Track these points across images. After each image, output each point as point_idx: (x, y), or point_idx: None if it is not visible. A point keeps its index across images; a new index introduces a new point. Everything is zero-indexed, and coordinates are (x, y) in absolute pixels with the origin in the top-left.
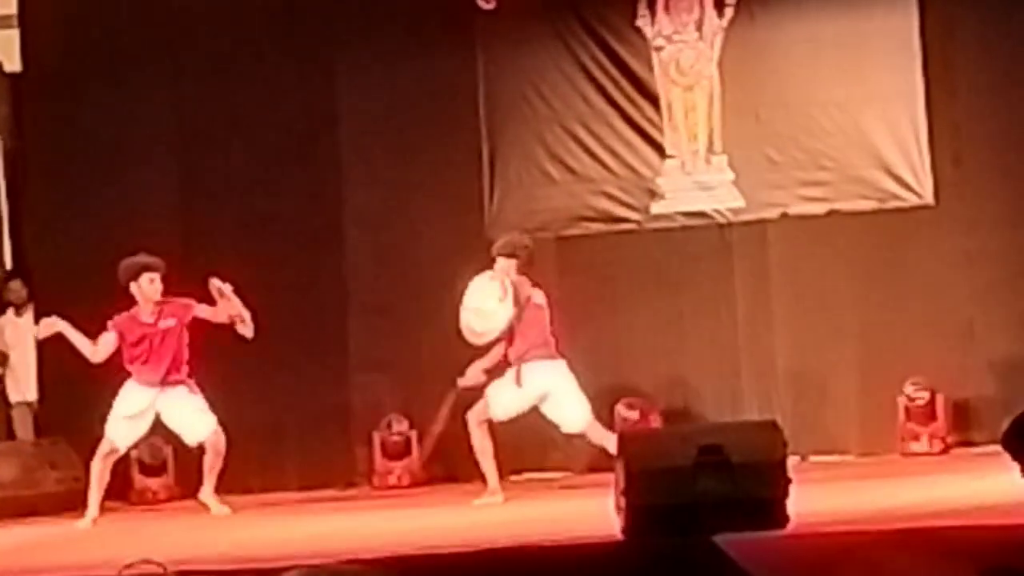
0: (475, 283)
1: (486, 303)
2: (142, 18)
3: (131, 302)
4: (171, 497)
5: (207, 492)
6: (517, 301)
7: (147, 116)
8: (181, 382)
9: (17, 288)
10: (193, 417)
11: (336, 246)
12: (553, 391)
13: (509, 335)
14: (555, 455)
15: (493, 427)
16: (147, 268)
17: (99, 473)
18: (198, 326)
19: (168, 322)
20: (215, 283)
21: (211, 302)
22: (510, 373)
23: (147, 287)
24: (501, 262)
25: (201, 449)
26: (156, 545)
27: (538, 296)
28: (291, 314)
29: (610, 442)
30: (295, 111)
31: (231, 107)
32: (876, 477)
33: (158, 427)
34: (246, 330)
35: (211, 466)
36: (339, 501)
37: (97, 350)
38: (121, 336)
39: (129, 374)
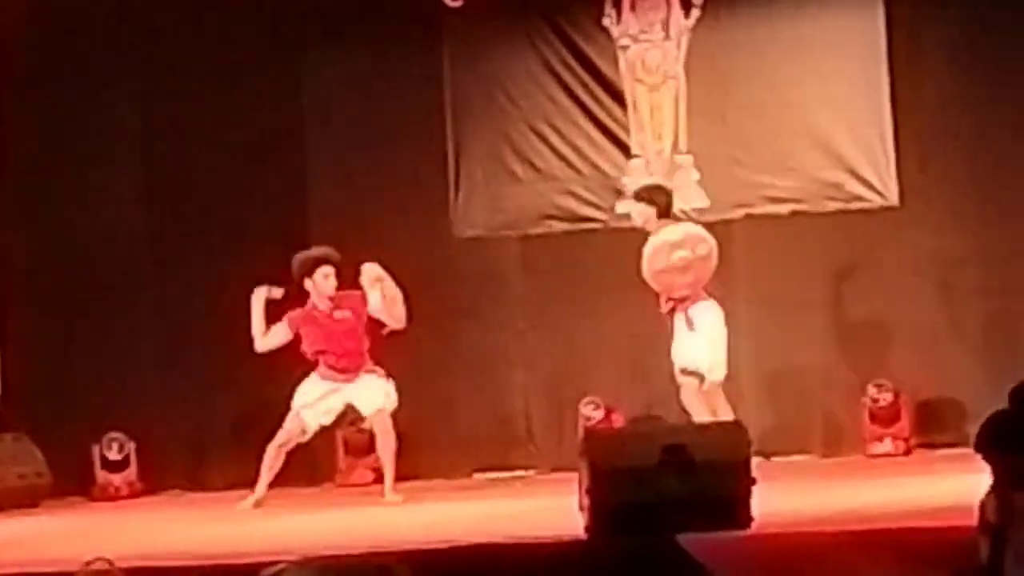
0: None
1: None
2: (111, 18)
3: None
4: (133, 493)
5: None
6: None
7: (111, 117)
8: (371, 371)
9: None
10: (371, 393)
11: (301, 245)
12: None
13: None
14: (519, 453)
15: (460, 426)
16: (322, 262)
17: (271, 460)
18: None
19: (344, 313)
20: (369, 271)
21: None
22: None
23: (322, 283)
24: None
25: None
26: (120, 541)
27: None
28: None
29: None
30: (260, 110)
31: (195, 108)
32: (840, 478)
33: (121, 422)
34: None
35: (381, 452)
36: (302, 499)
37: (267, 339)
38: (297, 333)
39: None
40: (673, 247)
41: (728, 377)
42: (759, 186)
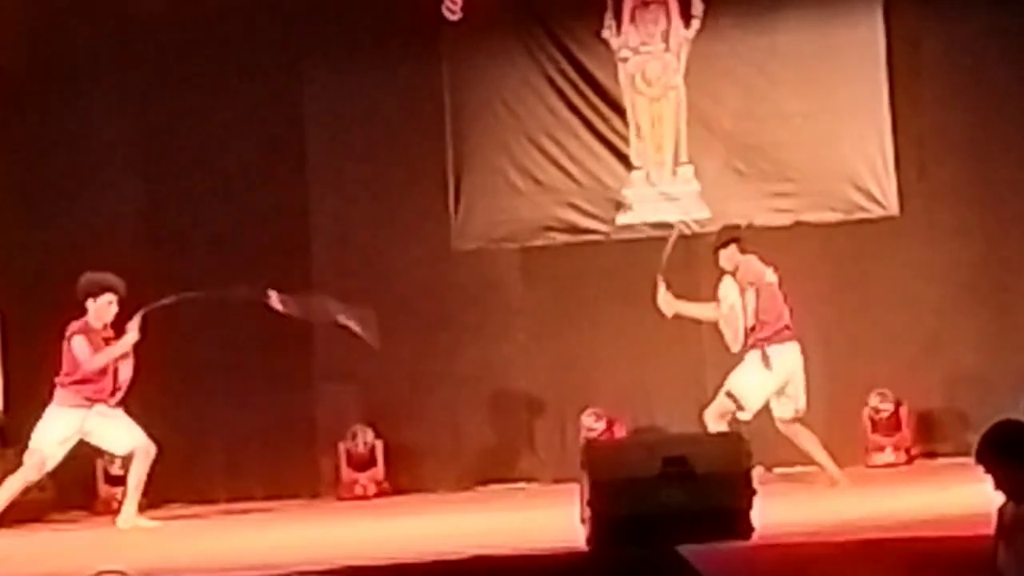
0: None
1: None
2: (106, 31)
3: None
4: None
5: (133, 512)
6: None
7: (112, 129)
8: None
9: None
10: (120, 430)
11: (302, 256)
12: (795, 374)
13: None
14: (521, 464)
15: (462, 438)
16: (109, 288)
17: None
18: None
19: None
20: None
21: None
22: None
23: (102, 306)
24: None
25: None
26: (120, 556)
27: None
28: (257, 324)
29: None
30: (260, 122)
31: (196, 119)
32: (841, 488)
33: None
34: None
35: (139, 482)
36: (304, 511)
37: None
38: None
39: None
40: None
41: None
42: (760, 196)
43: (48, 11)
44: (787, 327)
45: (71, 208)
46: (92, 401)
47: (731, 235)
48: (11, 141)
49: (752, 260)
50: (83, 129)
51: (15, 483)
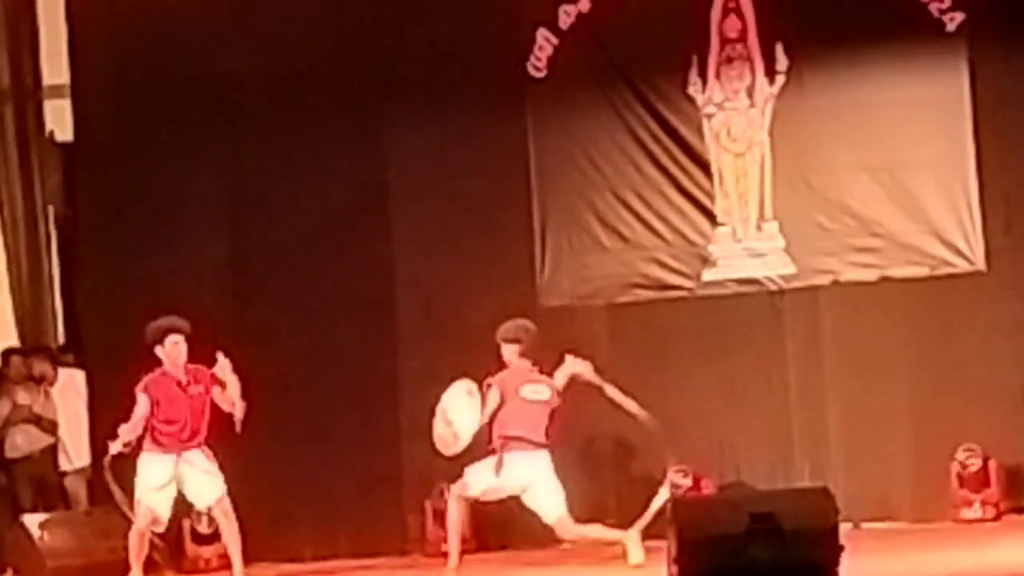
0: (450, 390)
1: (453, 408)
2: (193, 88)
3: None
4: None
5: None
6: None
7: (198, 183)
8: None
9: (43, 362)
10: (204, 480)
11: (387, 314)
12: (534, 482)
13: (489, 425)
14: (608, 522)
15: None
16: (170, 330)
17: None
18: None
19: (197, 388)
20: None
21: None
22: (490, 460)
23: (171, 349)
24: (504, 348)
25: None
26: None
27: (539, 390)
28: (342, 382)
29: (587, 532)
30: (346, 178)
31: (282, 174)
32: (929, 544)
33: None
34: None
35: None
36: (391, 569)
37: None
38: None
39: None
40: None
41: (816, 442)
42: (845, 251)
43: (139, 66)
44: (531, 436)
45: (157, 260)
46: (179, 447)
47: (514, 335)
48: (100, 193)
49: (521, 369)
50: (171, 183)
51: (133, 539)
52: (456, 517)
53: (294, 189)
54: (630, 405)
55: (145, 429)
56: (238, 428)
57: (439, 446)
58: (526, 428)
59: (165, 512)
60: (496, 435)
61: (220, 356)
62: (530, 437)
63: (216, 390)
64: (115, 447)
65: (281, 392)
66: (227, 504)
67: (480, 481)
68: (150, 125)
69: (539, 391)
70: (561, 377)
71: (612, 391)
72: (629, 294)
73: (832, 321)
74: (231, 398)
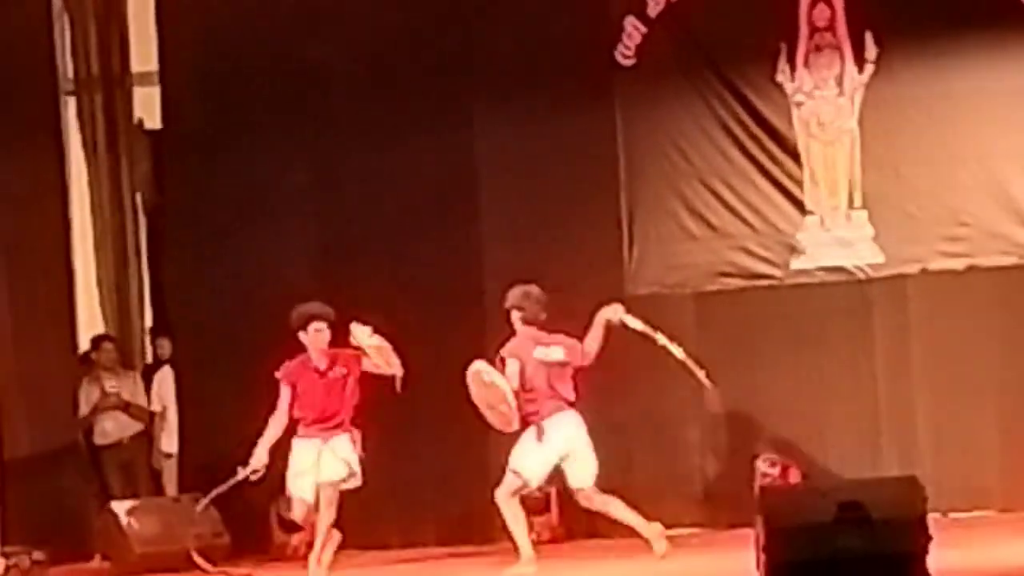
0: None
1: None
2: (281, 75)
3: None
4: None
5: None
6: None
7: (286, 171)
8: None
9: (166, 345)
10: (336, 466)
11: (475, 303)
12: (575, 448)
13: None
14: (695, 510)
15: (636, 483)
16: (314, 317)
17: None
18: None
19: (339, 371)
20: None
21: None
22: (528, 435)
23: (313, 336)
24: (512, 316)
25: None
26: None
27: (550, 352)
28: (430, 370)
29: (611, 507)
30: (434, 165)
31: (370, 163)
32: (1018, 533)
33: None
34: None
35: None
36: (478, 556)
37: (278, 418)
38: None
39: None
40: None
41: (904, 431)
42: (934, 240)
43: (226, 54)
44: (556, 398)
45: (246, 251)
46: (322, 433)
47: (516, 302)
48: (188, 180)
49: (526, 337)
50: (258, 170)
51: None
52: (513, 516)
53: (380, 179)
54: (679, 353)
55: (290, 418)
56: (398, 388)
57: (499, 425)
58: (549, 390)
59: (311, 498)
60: (525, 408)
61: (353, 325)
62: (557, 397)
63: (365, 361)
64: (253, 463)
65: (367, 379)
66: (333, 493)
67: (529, 461)
68: (237, 112)
69: (551, 352)
70: (595, 331)
71: (662, 339)
72: (717, 283)
73: (920, 310)
74: (380, 363)
